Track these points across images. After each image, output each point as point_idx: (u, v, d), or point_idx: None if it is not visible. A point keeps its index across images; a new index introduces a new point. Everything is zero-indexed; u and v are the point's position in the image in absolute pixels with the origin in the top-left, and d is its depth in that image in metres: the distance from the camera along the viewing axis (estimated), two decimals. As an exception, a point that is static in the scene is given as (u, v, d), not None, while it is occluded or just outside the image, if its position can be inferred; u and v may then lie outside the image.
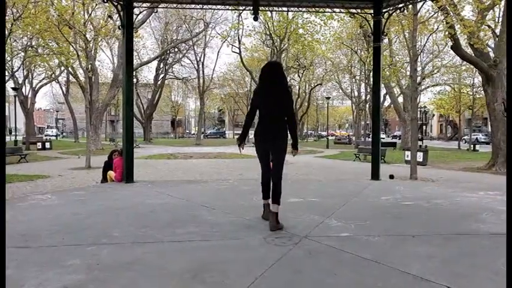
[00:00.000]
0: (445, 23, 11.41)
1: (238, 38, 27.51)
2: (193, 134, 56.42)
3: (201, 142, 34.56)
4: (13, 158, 15.91)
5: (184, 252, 2.86)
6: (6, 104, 34.61)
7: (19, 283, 2.26)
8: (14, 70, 23.73)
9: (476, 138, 34.89)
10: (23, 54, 21.78)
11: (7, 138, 29.74)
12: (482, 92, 17.41)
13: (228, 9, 11.94)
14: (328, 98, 34.71)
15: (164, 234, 3.30)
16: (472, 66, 18.77)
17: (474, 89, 27.45)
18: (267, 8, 8.69)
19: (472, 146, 26.57)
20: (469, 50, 13.50)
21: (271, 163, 3.64)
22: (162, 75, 38.26)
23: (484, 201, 4.94)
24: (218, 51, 54.27)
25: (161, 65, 37.51)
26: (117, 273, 2.44)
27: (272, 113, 3.47)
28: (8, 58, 20.89)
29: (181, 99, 55.89)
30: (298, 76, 36.11)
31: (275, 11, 20.01)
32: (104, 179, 7.11)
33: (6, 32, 16.79)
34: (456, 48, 12.64)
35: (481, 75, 14.03)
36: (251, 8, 6.85)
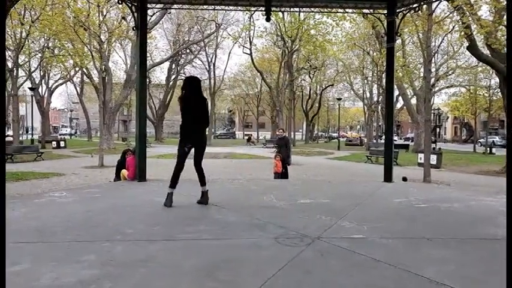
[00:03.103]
0: (461, 23, 11.21)
1: (250, 39, 27.60)
2: (204, 134, 56.51)
3: (211, 142, 34.67)
4: (30, 156, 16.28)
5: (196, 251, 2.88)
6: (24, 104, 35.45)
7: (35, 277, 2.31)
8: (31, 71, 24.27)
9: (493, 141, 34.09)
10: (40, 55, 22.27)
11: (24, 137, 30.45)
12: (499, 93, 17.02)
13: (240, 10, 11.98)
14: (339, 99, 34.45)
15: (176, 232, 3.33)
16: (488, 67, 18.40)
17: (491, 91, 26.85)
18: (279, 9, 8.68)
19: (488, 149, 25.99)
20: (485, 51, 13.23)
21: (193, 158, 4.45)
22: (174, 76, 38.58)
23: (501, 205, 4.82)
24: (229, 52, 54.53)
25: (173, 66, 37.84)
26: (131, 269, 2.47)
27: (199, 119, 4.37)
28: (26, 59, 21.40)
29: (193, 99, 56.10)
30: (309, 77, 35.94)
31: (287, 11, 19.99)
32: (117, 177, 7.21)
33: (25, 34, 17.25)
34: (472, 48, 12.40)
35: (498, 77, 13.74)
36: (263, 8, 6.85)
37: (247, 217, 3.93)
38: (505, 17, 12.13)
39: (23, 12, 17.07)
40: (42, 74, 29.10)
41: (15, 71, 17.84)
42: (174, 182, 4.38)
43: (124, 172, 6.85)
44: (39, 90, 29.61)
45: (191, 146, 4.37)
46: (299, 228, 3.47)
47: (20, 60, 18.66)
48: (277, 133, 10.36)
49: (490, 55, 12.90)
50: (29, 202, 4.71)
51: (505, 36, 12.52)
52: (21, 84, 23.99)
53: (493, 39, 11.50)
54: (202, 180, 4.46)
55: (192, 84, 4.52)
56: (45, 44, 22.07)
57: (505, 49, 13.32)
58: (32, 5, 16.26)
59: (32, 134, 28.80)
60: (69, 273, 2.37)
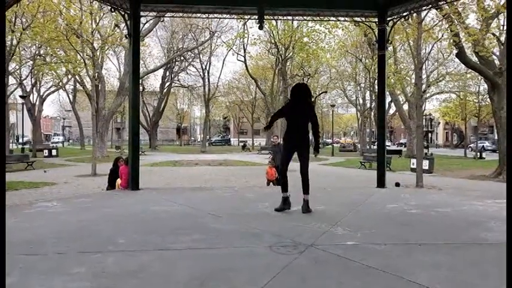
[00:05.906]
0: (449, 31, 11.42)
1: (244, 46, 27.76)
2: (199, 141, 56.60)
3: (206, 149, 34.63)
4: (20, 165, 16.05)
5: (190, 260, 2.86)
6: (14, 112, 35.05)
7: (25, 290, 2.27)
8: (22, 78, 24.05)
9: (483, 146, 34.54)
10: (31, 62, 22.09)
11: (14, 146, 30.05)
12: (488, 99, 17.31)
13: (233, 18, 12.06)
14: (333, 106, 34.71)
15: (170, 242, 3.30)
16: (477, 74, 18.72)
17: (480, 97, 27.29)
18: (272, 17, 8.77)
19: (478, 153, 26.33)
20: (474, 58, 13.47)
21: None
22: (168, 83, 38.57)
23: (492, 209, 4.88)
24: (223, 60, 54.96)
25: (167, 73, 37.85)
26: (123, 281, 2.43)
27: (297, 126, 4.57)
28: (17, 67, 21.20)
29: (187, 106, 56.23)
30: (303, 84, 36.12)
31: (280, 19, 20.16)
32: (110, 186, 7.14)
33: (15, 41, 17.12)
34: (461, 56, 12.63)
35: (487, 83, 13.99)
36: (256, 17, 6.91)
37: (242, 225, 3.91)
38: (492, 25, 12.40)
39: (13, 19, 16.96)
40: (33, 81, 28.83)
41: (5, 79, 17.66)
42: (282, 186, 4.65)
43: (119, 182, 6.78)
44: (31, 98, 29.31)
45: (288, 152, 4.65)
46: (293, 236, 3.46)
47: (10, 68, 18.47)
48: (272, 140, 10.40)
49: (478, 62, 13.14)
50: (18, 213, 4.64)
51: (492, 44, 12.79)
52: (12, 92, 23.75)
53: (481, 47, 11.73)
54: (304, 188, 4.59)
55: (292, 92, 4.68)
56: (37, 52, 21.91)
57: (493, 56, 13.59)
58: (23, 12, 16.16)
59: (23, 143, 28.38)
60: (58, 286, 2.33)
